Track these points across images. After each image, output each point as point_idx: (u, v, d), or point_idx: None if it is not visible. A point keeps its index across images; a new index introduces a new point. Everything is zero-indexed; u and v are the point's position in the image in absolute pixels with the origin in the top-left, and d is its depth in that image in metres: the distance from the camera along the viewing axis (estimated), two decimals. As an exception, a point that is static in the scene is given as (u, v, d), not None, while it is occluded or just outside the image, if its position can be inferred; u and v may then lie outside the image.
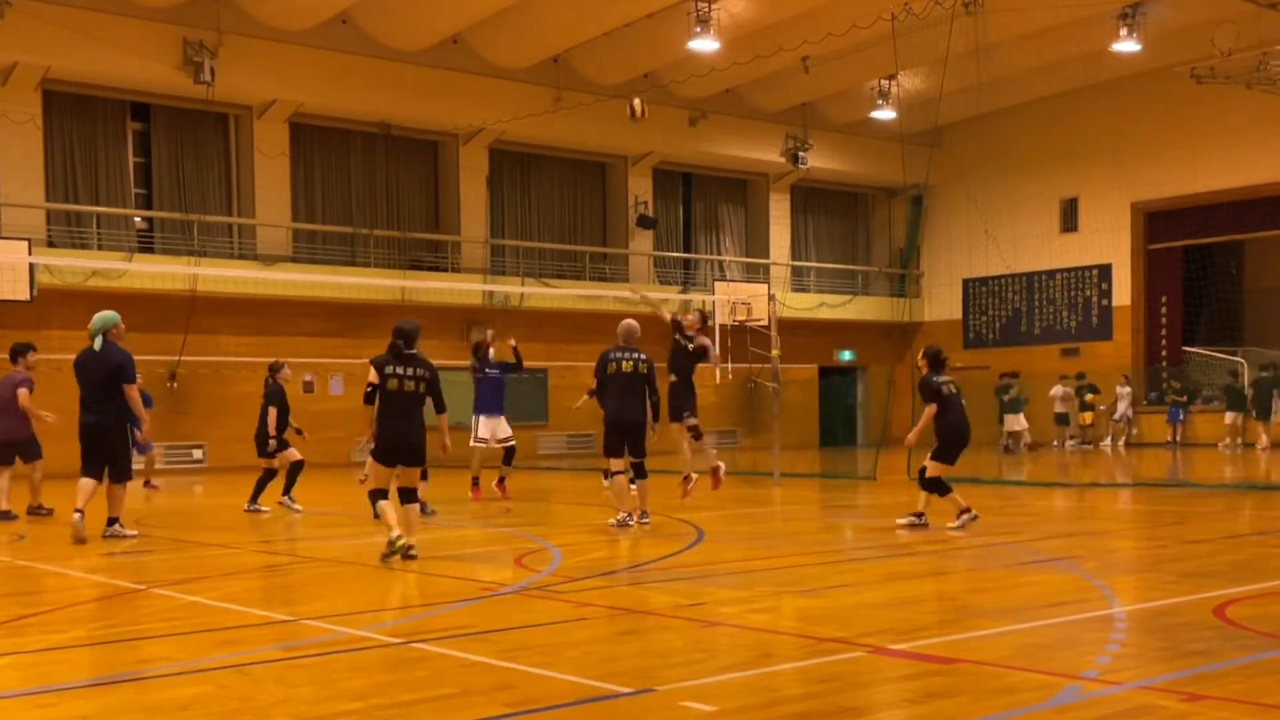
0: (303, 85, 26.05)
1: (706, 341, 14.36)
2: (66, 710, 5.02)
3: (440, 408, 9.88)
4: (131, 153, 26.07)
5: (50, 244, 23.99)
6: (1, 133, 23.60)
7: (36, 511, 14.05)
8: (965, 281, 35.16)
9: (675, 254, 33.09)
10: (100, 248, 24.46)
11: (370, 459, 13.26)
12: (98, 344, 11.24)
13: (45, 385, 14.50)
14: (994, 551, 10.11)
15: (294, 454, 14.45)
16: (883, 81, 30.71)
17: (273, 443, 14.27)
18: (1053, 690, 5.05)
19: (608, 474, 14.54)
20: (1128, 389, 30.00)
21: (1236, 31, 23.31)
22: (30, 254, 21.33)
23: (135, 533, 11.84)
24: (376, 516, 12.99)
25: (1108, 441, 30.12)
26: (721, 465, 14.23)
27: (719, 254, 33.80)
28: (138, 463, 19.16)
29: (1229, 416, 28.12)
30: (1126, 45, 26.57)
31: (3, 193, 23.59)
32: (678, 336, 14.11)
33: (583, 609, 7.24)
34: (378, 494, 9.76)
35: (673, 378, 13.72)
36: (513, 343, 15.77)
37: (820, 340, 34.26)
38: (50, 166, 24.75)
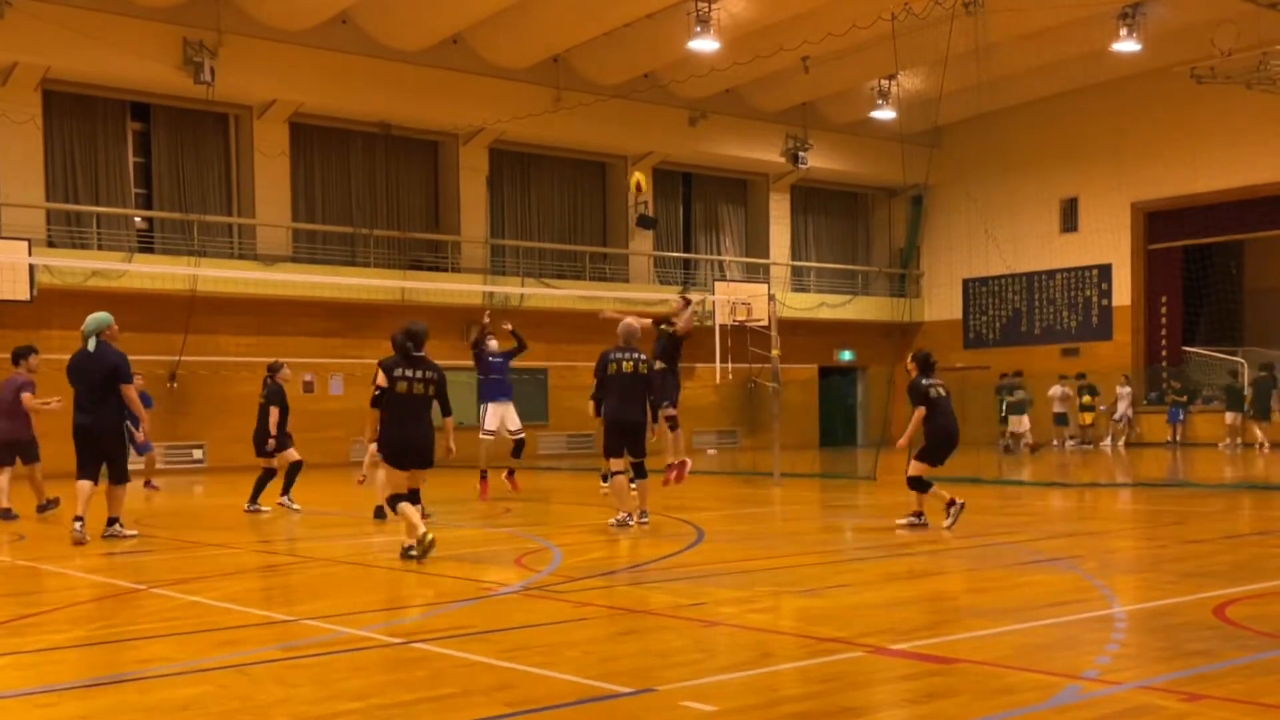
0: (303, 85, 26.06)
1: (681, 311, 14.44)
2: (66, 710, 5.02)
3: (446, 411, 9.89)
4: (131, 153, 26.07)
5: (50, 244, 24.00)
6: (1, 133, 23.60)
7: (45, 508, 14.08)
8: (965, 281, 35.16)
9: (675, 254, 33.09)
10: (100, 248, 24.46)
11: (382, 463, 13.33)
12: (91, 345, 11.23)
13: (46, 386, 14.51)
14: (994, 551, 10.11)
15: (293, 454, 14.44)
16: (883, 81, 30.72)
17: (272, 442, 14.27)
18: (1053, 690, 5.05)
19: (606, 475, 14.57)
20: (1128, 389, 30.00)
21: (1236, 31, 23.31)
22: (30, 254, 21.34)
23: (135, 532, 11.85)
24: (378, 517, 13.10)
25: (1108, 441, 30.13)
26: (688, 462, 14.26)
27: (719, 254, 33.81)
28: (138, 463, 19.28)
29: (1229, 416, 28.13)
30: (1126, 45, 26.58)
31: (3, 193, 23.60)
32: (664, 326, 14.20)
33: (583, 609, 7.24)
34: (397, 498, 9.68)
35: (659, 364, 13.73)
36: (509, 326, 15.82)
37: (820, 340, 34.27)
38: (50, 166, 24.76)
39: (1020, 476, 19.59)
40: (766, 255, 34.13)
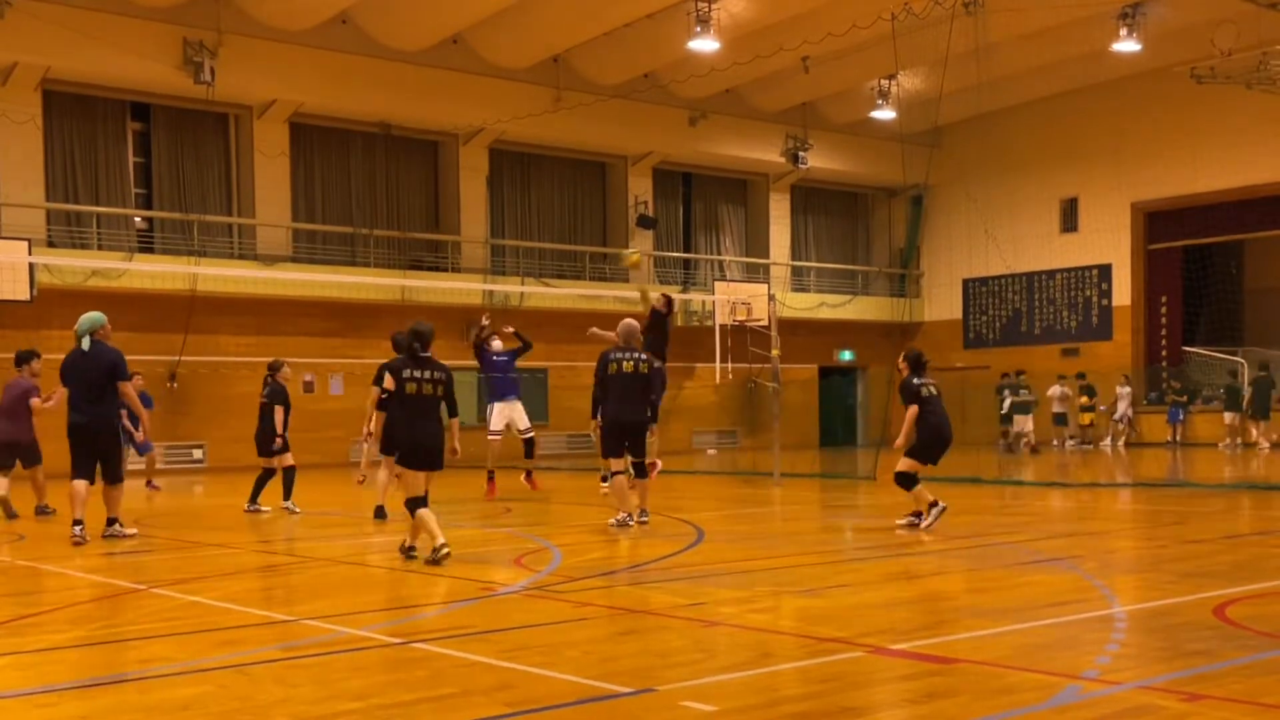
0: (303, 85, 26.06)
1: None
2: (66, 710, 5.02)
3: (453, 411, 9.82)
4: (131, 153, 26.07)
5: (50, 244, 23.99)
6: (1, 133, 23.60)
7: (43, 511, 14.13)
8: (965, 281, 35.16)
9: (675, 254, 33.09)
10: (100, 248, 24.46)
11: (384, 462, 13.33)
12: (85, 344, 11.24)
13: (47, 387, 14.53)
14: (994, 551, 10.11)
15: (289, 458, 14.41)
16: (883, 81, 30.72)
17: (279, 441, 14.27)
18: (1053, 690, 5.05)
19: (606, 475, 14.57)
20: (1128, 389, 30.00)
21: (1236, 31, 23.32)
22: (30, 254, 21.35)
23: (134, 531, 11.86)
24: (378, 517, 13.10)
25: (1108, 441, 30.13)
26: (659, 464, 14.33)
27: (719, 254, 33.81)
28: (139, 463, 19.30)
29: (1227, 417, 28.13)
30: (1126, 45, 26.58)
31: (3, 193, 23.60)
32: (657, 309, 14.25)
33: (583, 609, 7.24)
34: (416, 501, 9.54)
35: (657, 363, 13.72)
36: (510, 329, 15.84)
37: (820, 340, 34.27)
38: (50, 166, 24.76)
39: (1020, 476, 19.59)
40: (766, 255, 34.13)
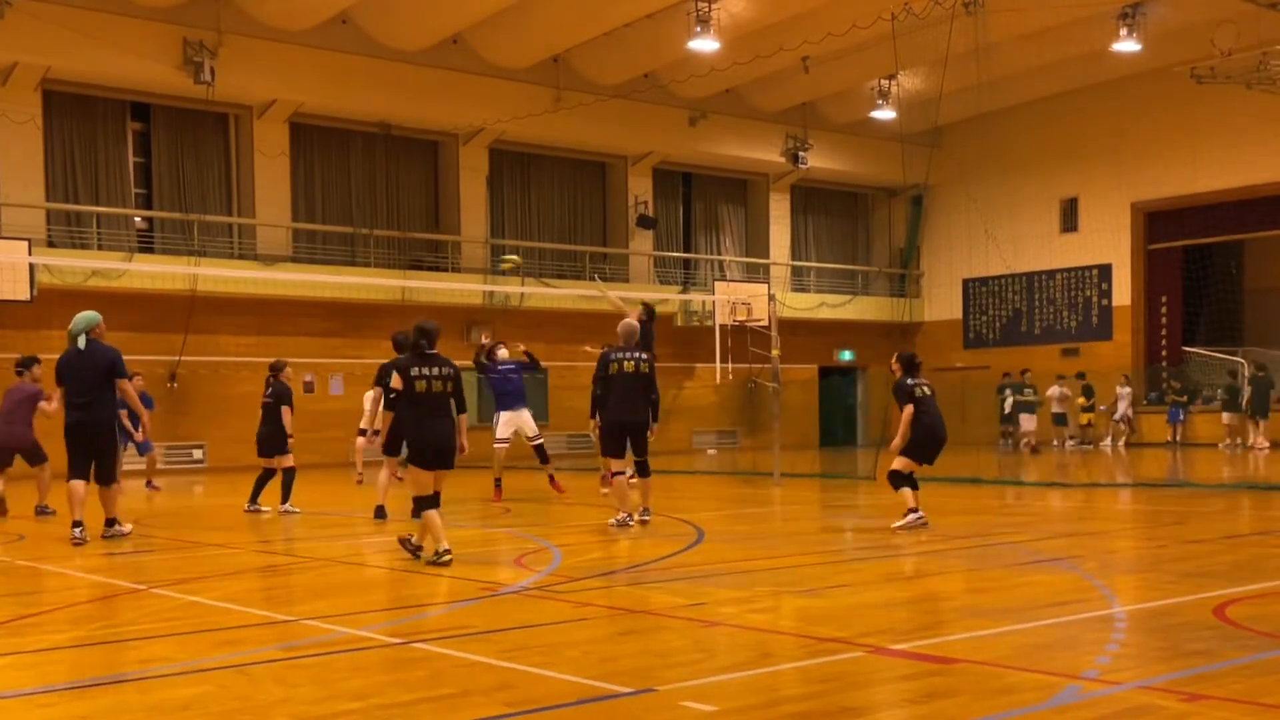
0: (303, 85, 26.06)
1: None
2: (66, 710, 5.02)
3: (461, 408, 9.72)
4: (131, 153, 26.07)
5: (50, 244, 23.99)
6: (1, 133, 23.60)
7: (43, 511, 14.14)
8: (965, 281, 35.16)
9: (675, 254, 33.10)
10: (100, 248, 24.46)
11: (387, 462, 13.33)
12: (81, 343, 11.24)
13: (46, 389, 14.56)
14: (994, 551, 10.12)
15: (289, 459, 14.39)
16: (883, 81, 30.72)
17: (292, 441, 14.28)
18: (1053, 690, 5.05)
19: (604, 478, 14.60)
20: (1128, 389, 30.00)
21: (1236, 31, 23.32)
22: (30, 254, 21.34)
23: (130, 527, 11.86)
24: (378, 517, 13.09)
25: (1108, 441, 30.13)
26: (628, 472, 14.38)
27: (719, 254, 33.81)
28: (139, 463, 19.32)
29: (1226, 417, 28.13)
30: (1126, 45, 26.57)
31: (3, 193, 23.60)
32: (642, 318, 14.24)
33: (583, 609, 7.24)
34: (425, 501, 9.47)
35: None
36: (522, 348, 15.87)
37: (820, 340, 34.27)
38: (50, 166, 24.76)
39: (1020, 476, 19.59)
40: (766, 255, 34.13)
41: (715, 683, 5.33)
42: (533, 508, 14.83)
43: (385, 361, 13.31)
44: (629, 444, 12.11)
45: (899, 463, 11.55)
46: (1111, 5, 25.85)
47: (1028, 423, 28.72)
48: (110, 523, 11.57)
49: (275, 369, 14.55)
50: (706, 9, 24.97)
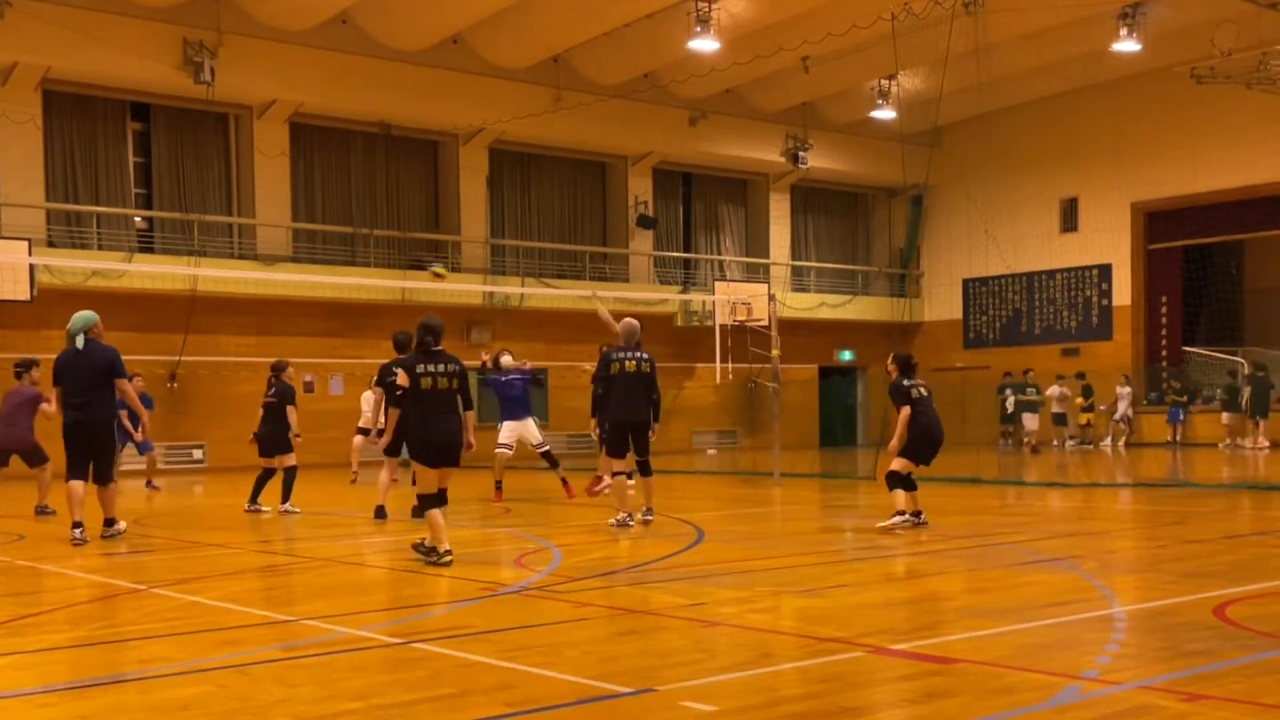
0: (303, 85, 26.06)
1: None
2: (66, 710, 5.02)
3: (468, 404, 9.66)
4: (131, 153, 26.07)
5: (50, 244, 23.99)
6: (1, 133, 23.60)
7: (43, 511, 14.15)
8: (965, 281, 35.16)
9: (675, 254, 33.10)
10: (100, 248, 24.46)
11: (387, 461, 13.33)
12: (80, 342, 11.24)
13: (45, 391, 14.58)
14: (994, 551, 10.12)
15: (291, 459, 14.40)
16: (883, 81, 30.71)
17: (299, 440, 14.28)
18: (1053, 690, 5.05)
19: (590, 486, 14.63)
20: (1128, 389, 30.00)
21: (1236, 31, 23.31)
22: (30, 254, 21.34)
23: (124, 525, 11.86)
24: (378, 517, 13.09)
25: (1108, 441, 30.13)
26: (605, 479, 14.43)
27: (719, 254, 33.81)
28: (139, 463, 19.32)
29: (1225, 417, 28.12)
30: (1126, 45, 26.57)
31: (3, 193, 23.60)
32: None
33: (583, 609, 7.24)
34: (429, 500, 9.42)
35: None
36: (528, 364, 15.87)
37: (820, 340, 34.27)
38: (50, 166, 24.76)
39: (1020, 476, 19.59)
40: (766, 255, 34.13)
41: (715, 683, 5.33)
42: (533, 508, 14.84)
43: (386, 361, 13.32)
44: (631, 443, 12.12)
45: (897, 464, 11.54)
46: (1111, 5, 25.85)
47: (1031, 422, 28.77)
48: (109, 522, 11.57)
49: (278, 369, 14.55)
50: (706, 9, 24.97)
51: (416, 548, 9.70)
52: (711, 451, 31.45)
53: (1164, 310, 32.46)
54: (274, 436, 14.24)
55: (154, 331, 24.19)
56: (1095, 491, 16.72)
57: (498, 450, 15.68)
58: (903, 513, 11.29)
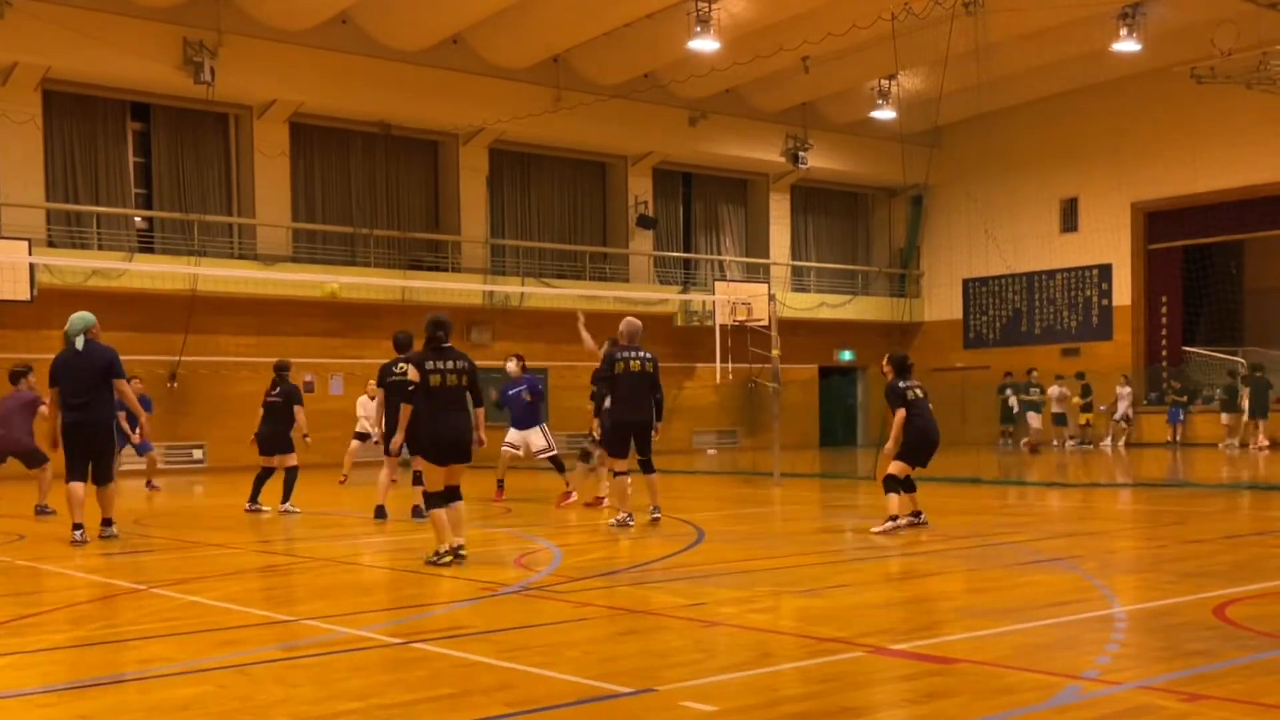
0: (303, 85, 26.06)
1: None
2: (66, 710, 5.02)
3: (478, 401, 9.61)
4: (131, 153, 26.07)
5: (50, 244, 24.00)
6: (1, 133, 23.60)
7: (43, 511, 14.17)
8: (965, 281, 35.16)
9: (675, 254, 33.10)
10: (100, 248, 24.46)
11: (387, 461, 13.33)
12: (79, 343, 11.25)
13: (43, 390, 14.62)
14: (994, 551, 10.11)
15: (293, 458, 14.40)
16: (883, 81, 30.71)
17: (308, 441, 14.29)
18: (1053, 690, 5.05)
19: (559, 499, 14.63)
20: (1128, 389, 30.00)
21: (1236, 31, 23.31)
22: (30, 254, 21.34)
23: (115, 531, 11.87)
24: (378, 517, 13.09)
25: (1108, 441, 30.13)
26: (574, 495, 14.50)
27: (719, 254, 33.81)
28: (139, 463, 19.32)
29: (1224, 417, 28.12)
30: (1126, 45, 26.57)
31: (3, 193, 23.60)
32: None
33: (583, 609, 7.24)
34: (435, 499, 9.39)
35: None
36: (529, 398, 15.81)
37: (820, 340, 34.27)
38: (50, 166, 24.76)
39: (1020, 476, 19.59)
40: (766, 255, 34.13)
41: (715, 683, 5.33)
42: (533, 508, 14.83)
43: (385, 361, 13.32)
44: (633, 443, 12.11)
45: (894, 467, 11.51)
46: (1111, 5, 25.85)
47: (1035, 422, 28.80)
48: (107, 523, 11.57)
49: (284, 369, 14.55)
50: (706, 9, 24.97)
51: (455, 557, 9.33)
52: (711, 451, 31.45)
53: (1164, 310, 32.46)
54: (276, 436, 14.24)
55: (154, 331, 24.19)
56: (1095, 491, 16.72)
57: (502, 449, 15.72)
58: (895, 518, 11.25)
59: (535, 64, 28.29)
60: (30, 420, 14.10)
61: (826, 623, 6.68)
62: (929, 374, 27.65)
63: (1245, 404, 27.09)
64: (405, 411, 9.51)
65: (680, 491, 17.11)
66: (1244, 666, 5.46)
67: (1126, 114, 31.31)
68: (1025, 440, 28.69)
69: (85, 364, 11.20)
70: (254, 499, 14.33)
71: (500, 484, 15.73)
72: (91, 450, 11.32)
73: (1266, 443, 26.42)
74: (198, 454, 25.53)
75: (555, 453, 15.69)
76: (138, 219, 26.10)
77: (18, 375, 14.37)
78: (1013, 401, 30.02)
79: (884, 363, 11.87)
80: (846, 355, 35.50)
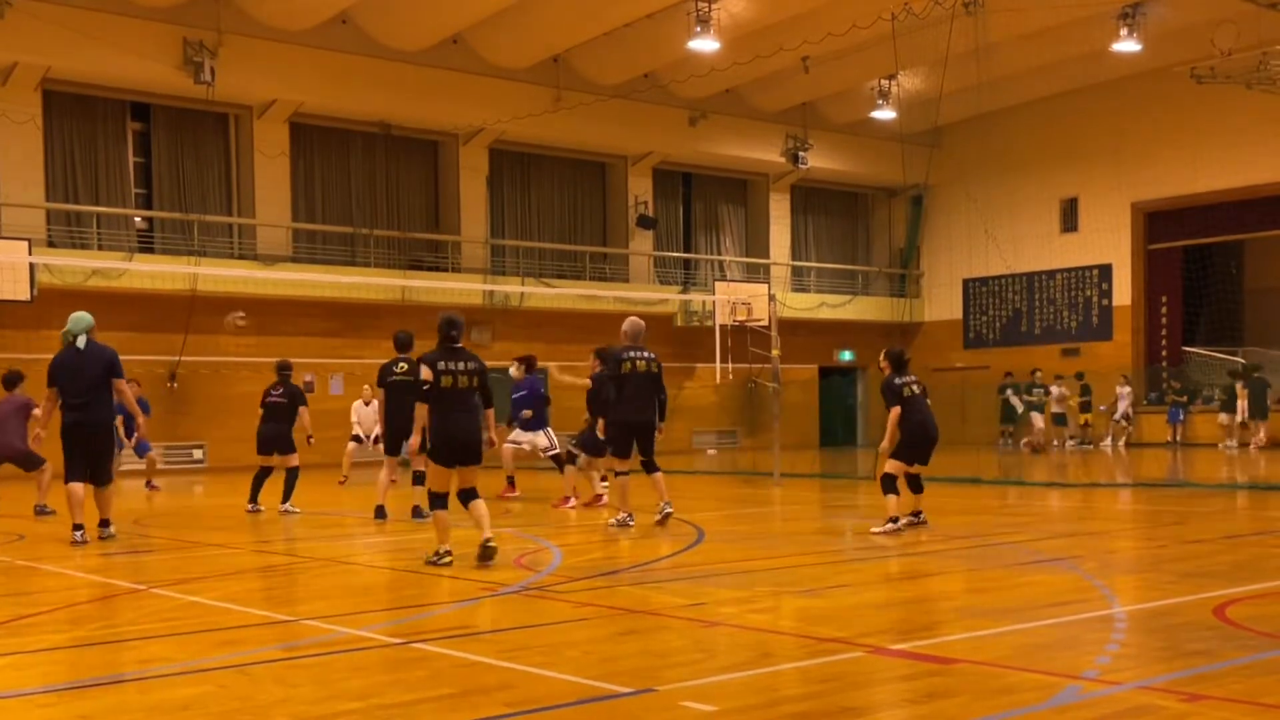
0: (303, 85, 26.05)
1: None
2: (66, 710, 5.02)
3: (488, 402, 9.57)
4: (131, 153, 26.07)
5: (50, 244, 23.99)
6: (1, 133, 23.59)
7: (42, 511, 14.17)
8: (965, 281, 35.16)
9: (675, 254, 33.10)
10: (100, 248, 24.46)
11: (387, 461, 13.34)
12: (81, 342, 11.25)
13: (37, 399, 14.62)
14: (994, 551, 10.11)
15: (294, 459, 14.39)
16: (883, 81, 30.71)
17: (312, 442, 14.29)
18: (1053, 690, 5.05)
19: (566, 499, 14.63)
20: (1128, 389, 30.00)
21: (1236, 31, 23.32)
22: (30, 254, 21.35)
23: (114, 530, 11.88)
24: (378, 517, 13.09)
25: (1108, 441, 30.13)
26: (572, 499, 14.53)
27: (719, 254, 33.81)
28: (139, 463, 19.32)
29: (1223, 417, 28.12)
30: (1126, 45, 26.56)
31: (3, 193, 23.59)
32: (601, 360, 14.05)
33: (583, 609, 7.24)
34: (437, 499, 9.38)
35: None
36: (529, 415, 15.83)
37: (820, 340, 34.27)
38: (50, 166, 24.75)
39: (1020, 476, 19.59)
40: (766, 255, 34.13)
41: (715, 683, 5.33)
42: (533, 508, 14.83)
43: (385, 361, 13.32)
44: (635, 444, 12.10)
45: (892, 466, 11.47)
46: (1111, 5, 25.84)
47: (1039, 422, 28.80)
48: (104, 523, 11.56)
49: (286, 369, 14.54)
50: (706, 9, 24.97)
51: (483, 552, 9.31)
52: (711, 451, 31.45)
53: (1164, 310, 32.46)
54: (277, 435, 14.23)
55: (154, 331, 24.19)
56: (1095, 491, 16.72)
57: (506, 444, 15.73)
58: (895, 519, 11.23)
59: (535, 64, 28.29)
60: (24, 425, 14.11)
61: (826, 623, 6.68)
62: (929, 374, 27.67)
63: (1241, 404, 27.10)
64: (421, 410, 9.41)
65: (680, 491, 17.08)
66: (1244, 666, 5.46)
67: (1126, 114, 31.31)
68: (1026, 440, 28.70)
69: (86, 364, 11.20)
70: (254, 499, 14.32)
71: (510, 480, 15.78)
72: (91, 450, 11.31)
73: (1265, 441, 26.43)
74: (198, 454, 25.53)
75: (558, 451, 15.71)
76: (138, 219, 26.10)
77: (12, 382, 14.43)
78: (1016, 402, 30.03)
79: (881, 358, 11.84)
80: (846, 355, 35.49)
